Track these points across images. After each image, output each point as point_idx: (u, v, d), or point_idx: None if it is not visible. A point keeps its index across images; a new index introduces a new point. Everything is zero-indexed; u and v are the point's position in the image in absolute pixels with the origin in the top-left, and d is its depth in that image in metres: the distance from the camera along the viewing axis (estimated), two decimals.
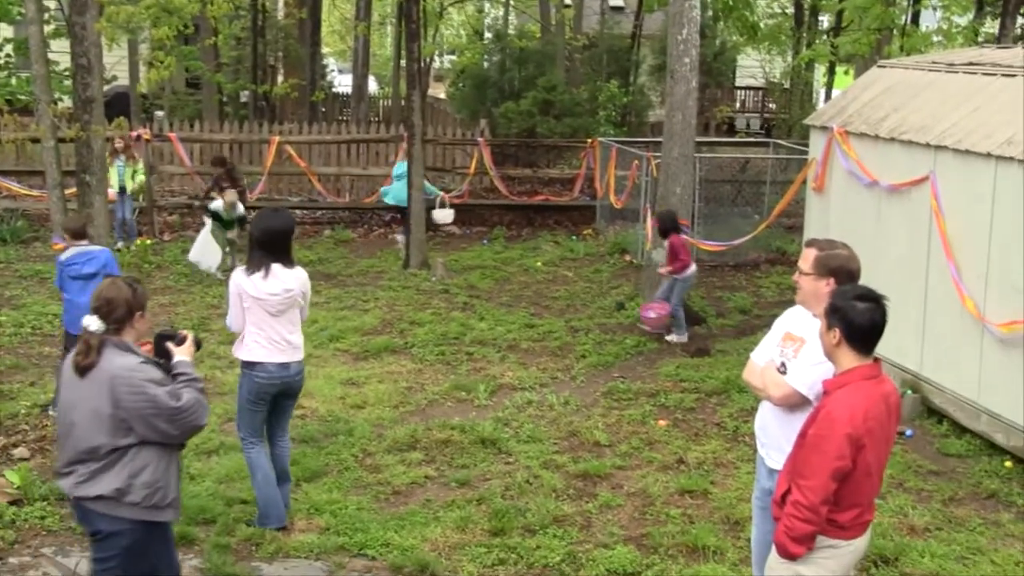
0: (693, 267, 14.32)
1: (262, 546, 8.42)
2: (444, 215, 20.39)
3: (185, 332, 6.47)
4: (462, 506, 9.13)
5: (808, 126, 14.40)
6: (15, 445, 10.34)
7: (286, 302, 8.24)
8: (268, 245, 8.28)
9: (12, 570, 8.09)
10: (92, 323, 5.97)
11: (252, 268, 8.26)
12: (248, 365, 8.42)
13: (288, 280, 8.24)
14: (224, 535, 8.56)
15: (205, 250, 17.31)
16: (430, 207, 19.85)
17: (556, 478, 9.75)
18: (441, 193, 20.58)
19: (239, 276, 8.32)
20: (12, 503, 8.96)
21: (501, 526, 8.71)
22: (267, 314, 8.27)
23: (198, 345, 6.52)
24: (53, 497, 9.12)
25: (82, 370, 5.93)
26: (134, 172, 19.05)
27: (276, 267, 8.22)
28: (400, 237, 20.19)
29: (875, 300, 5.47)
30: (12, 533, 8.58)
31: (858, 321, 5.43)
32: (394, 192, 19.91)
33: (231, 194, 17.59)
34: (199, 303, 15.95)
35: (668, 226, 14.22)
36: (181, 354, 6.30)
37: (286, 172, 22.43)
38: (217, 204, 17.53)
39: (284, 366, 8.36)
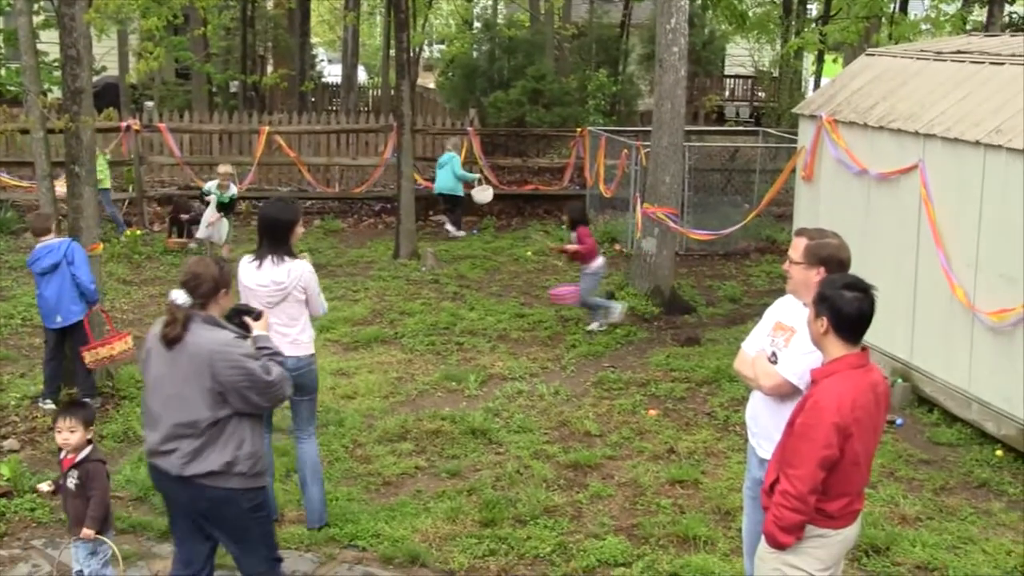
0: (600, 260, 14.32)
1: None
2: (484, 195, 20.83)
3: (261, 308, 6.77)
4: (453, 497, 9.12)
5: (797, 115, 14.39)
6: (5, 437, 10.33)
7: (276, 295, 8.09)
8: (264, 234, 8.20)
9: (2, 562, 8.09)
10: (179, 297, 6.20)
11: (253, 256, 8.20)
12: None
13: (278, 273, 8.07)
14: None
15: (214, 225, 17.67)
16: (469, 189, 20.64)
17: (547, 468, 9.76)
18: (478, 175, 21.09)
19: (241, 262, 8.24)
20: (2, 495, 8.96)
21: (492, 517, 8.71)
22: (260, 304, 8.21)
23: (259, 317, 6.76)
24: (36, 493, 9.10)
25: (170, 342, 6.17)
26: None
27: (270, 258, 8.15)
28: (451, 228, 20.39)
29: (863, 289, 5.47)
30: (2, 525, 8.58)
31: (846, 310, 5.43)
32: (438, 182, 20.57)
33: (225, 167, 18.04)
34: None
35: (577, 217, 14.49)
36: (259, 329, 6.57)
37: (276, 162, 22.39)
38: (210, 184, 17.77)
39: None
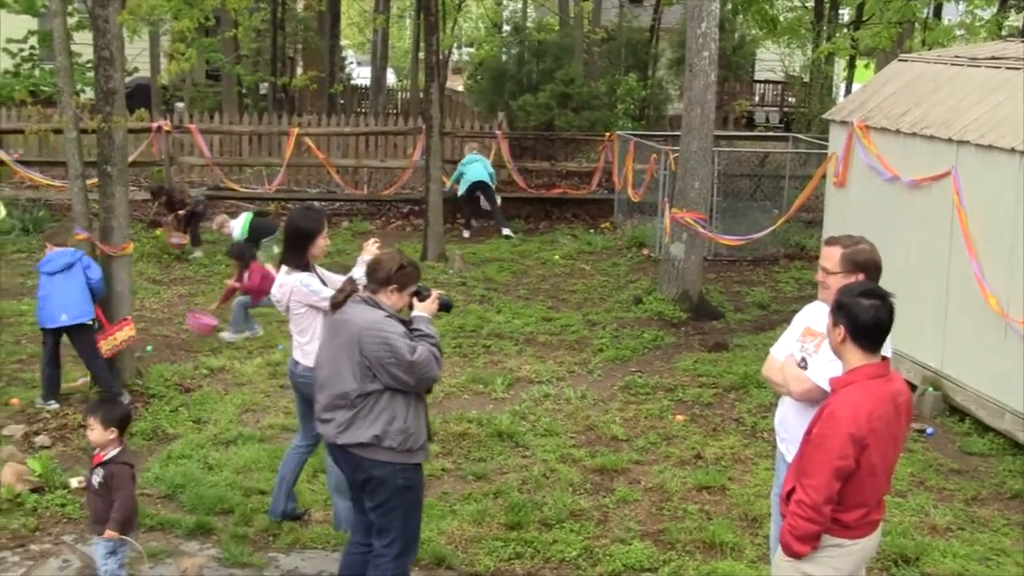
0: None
1: (279, 537, 8.45)
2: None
3: (433, 290, 6.94)
4: (479, 499, 9.12)
5: (828, 120, 14.34)
6: (36, 433, 10.39)
7: (279, 304, 8.21)
8: (284, 241, 8.24)
9: (33, 557, 8.13)
10: (356, 273, 7.01)
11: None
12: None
13: (281, 284, 8.12)
14: (242, 525, 8.59)
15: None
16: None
17: (573, 472, 9.74)
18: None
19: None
20: (33, 491, 9.00)
21: (518, 520, 8.70)
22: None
23: (447, 307, 7.11)
24: (65, 485, 9.15)
25: (332, 307, 6.78)
26: None
27: (284, 268, 8.15)
28: (507, 231, 20.59)
29: (880, 297, 5.44)
30: (33, 520, 8.63)
31: (862, 318, 5.40)
32: (473, 174, 20.75)
33: (219, 219, 17.34)
34: (218, 293, 15.95)
35: (240, 256, 14.38)
36: (420, 310, 6.84)
37: (304, 164, 22.44)
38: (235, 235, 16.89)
39: (294, 363, 8.26)
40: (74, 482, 8.31)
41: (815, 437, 5.43)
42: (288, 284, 8.04)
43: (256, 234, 16.46)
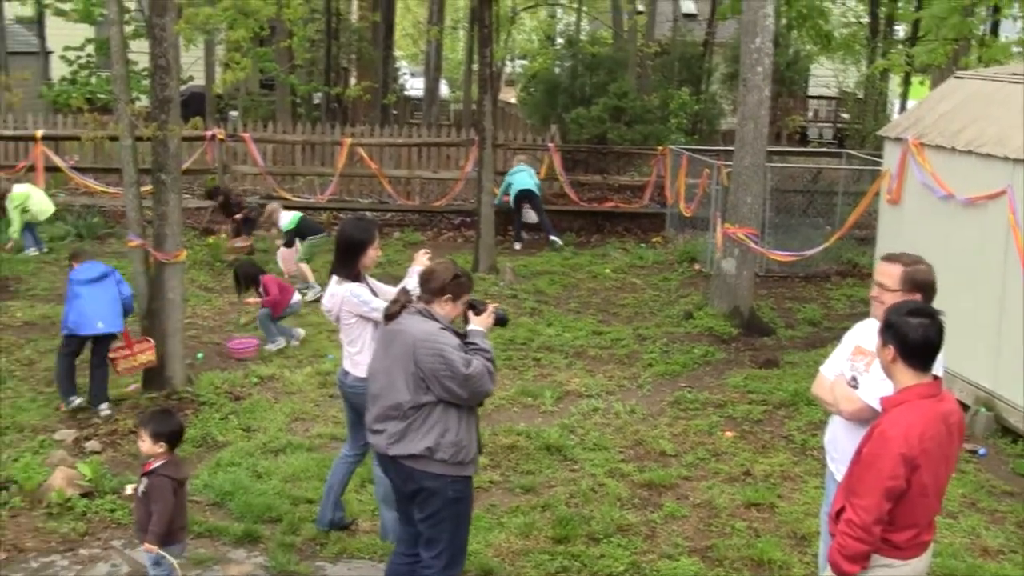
0: (297, 298, 14.47)
1: (326, 546, 8.48)
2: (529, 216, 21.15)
3: (489, 304, 6.97)
4: (526, 512, 9.11)
5: (882, 137, 14.25)
6: (87, 438, 10.49)
7: (329, 314, 8.27)
8: (335, 251, 8.28)
9: (82, 561, 8.20)
10: (410, 284, 6.99)
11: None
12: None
13: (332, 295, 8.17)
14: (289, 534, 8.62)
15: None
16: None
17: (621, 487, 9.72)
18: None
19: None
20: (83, 495, 9.08)
21: (565, 533, 8.69)
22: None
23: (502, 321, 7.12)
24: (119, 491, 9.22)
25: (386, 318, 6.80)
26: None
27: (334, 278, 8.18)
28: (555, 238, 20.74)
29: (930, 316, 5.40)
30: (83, 525, 8.70)
31: (911, 337, 5.36)
32: (521, 183, 20.82)
33: (271, 207, 17.43)
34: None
35: (248, 277, 14.22)
36: (476, 323, 6.85)
37: (357, 174, 22.55)
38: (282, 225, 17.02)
39: (344, 373, 8.28)
40: (128, 488, 8.36)
41: (865, 457, 5.39)
42: (339, 294, 8.07)
43: (305, 230, 16.72)
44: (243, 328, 14.23)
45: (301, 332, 14.09)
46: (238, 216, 18.41)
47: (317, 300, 15.01)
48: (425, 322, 6.62)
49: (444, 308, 6.72)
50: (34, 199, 18.40)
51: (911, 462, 5.27)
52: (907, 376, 5.42)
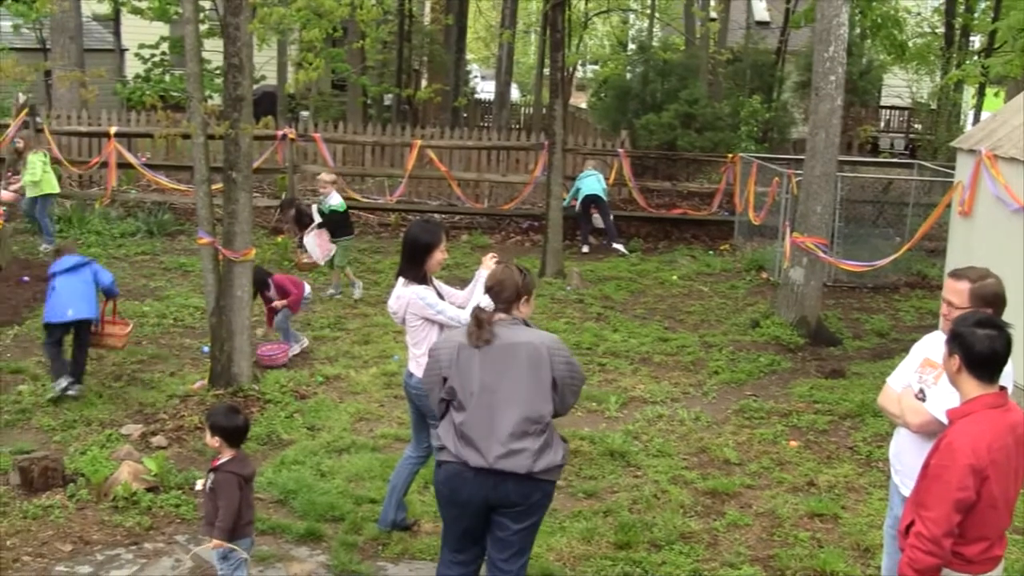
0: (306, 289, 14.14)
1: (388, 546, 8.50)
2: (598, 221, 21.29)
3: None
4: (588, 517, 9.10)
5: (955, 148, 14.09)
6: (154, 433, 10.59)
7: (395, 317, 8.28)
8: (402, 253, 8.29)
9: (147, 555, 8.28)
10: (484, 301, 6.61)
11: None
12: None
13: (398, 296, 8.19)
14: (352, 533, 8.66)
15: (323, 246, 16.48)
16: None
17: (684, 494, 9.68)
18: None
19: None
20: (149, 490, 9.16)
21: (627, 539, 8.66)
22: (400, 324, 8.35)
23: None
24: (188, 486, 9.32)
25: (479, 343, 6.46)
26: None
27: (400, 280, 8.21)
28: (618, 246, 20.75)
29: (997, 327, 5.36)
30: (148, 519, 8.78)
31: (978, 348, 5.32)
32: (587, 188, 20.94)
33: (325, 175, 17.19)
34: (335, 302, 16.16)
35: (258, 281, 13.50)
36: None
37: (426, 176, 22.63)
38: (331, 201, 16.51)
39: (409, 374, 8.30)
40: (198, 484, 8.43)
41: (933, 469, 5.35)
42: (405, 296, 8.10)
43: (341, 224, 16.50)
44: (263, 338, 14.07)
45: (305, 341, 13.87)
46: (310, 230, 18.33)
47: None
48: (539, 331, 6.62)
49: (523, 311, 6.65)
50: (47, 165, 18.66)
51: (980, 473, 5.22)
52: (973, 387, 5.38)
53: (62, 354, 11.51)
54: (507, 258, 7.18)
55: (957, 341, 5.39)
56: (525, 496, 6.44)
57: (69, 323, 11.37)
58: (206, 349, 12.78)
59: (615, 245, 20.72)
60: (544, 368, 6.39)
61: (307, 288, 14.19)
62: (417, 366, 8.08)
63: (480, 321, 6.51)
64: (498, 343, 6.45)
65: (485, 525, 6.62)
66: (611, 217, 21.10)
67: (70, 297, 11.31)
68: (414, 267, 8.14)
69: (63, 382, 11.30)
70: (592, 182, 20.79)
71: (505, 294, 6.56)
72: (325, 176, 16.94)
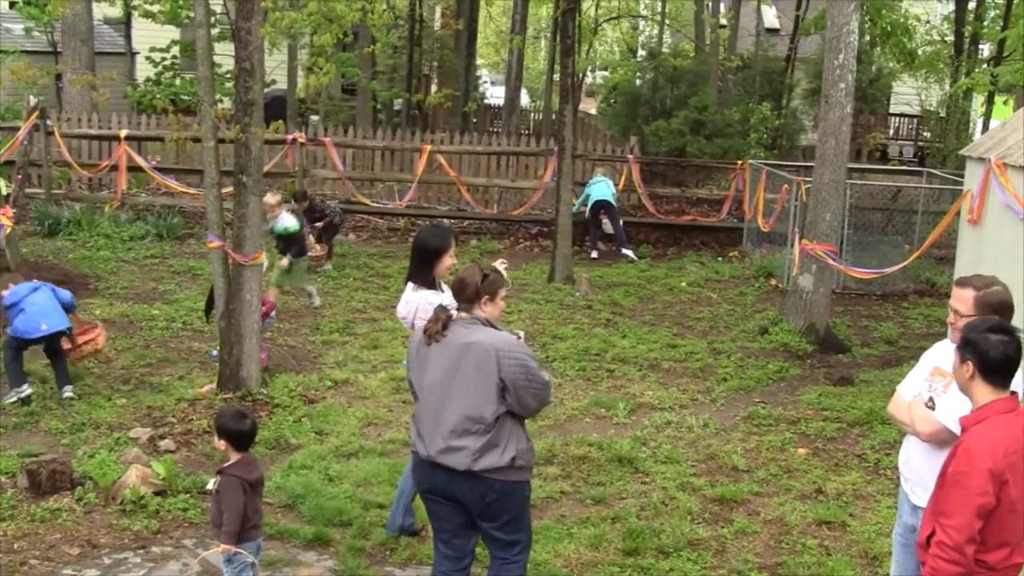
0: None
1: (396, 551, 8.49)
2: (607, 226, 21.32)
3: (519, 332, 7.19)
4: (596, 524, 9.09)
5: (964, 156, 14.09)
6: (162, 437, 10.58)
7: (404, 321, 8.24)
8: (411, 257, 8.27)
9: (154, 559, 8.28)
10: (446, 299, 6.86)
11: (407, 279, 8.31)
12: None
13: (407, 301, 8.16)
14: (359, 538, 8.65)
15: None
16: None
17: (692, 501, 9.66)
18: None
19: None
20: (157, 494, 9.16)
21: (635, 546, 8.65)
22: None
23: None
24: (195, 490, 9.32)
25: (429, 337, 6.60)
26: None
27: (409, 285, 8.19)
28: (628, 252, 20.71)
29: (1008, 333, 5.36)
30: (156, 523, 8.79)
31: (991, 354, 5.31)
32: (597, 194, 20.92)
33: (269, 197, 14.81)
34: (345, 306, 16.17)
35: None
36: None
37: (436, 181, 22.64)
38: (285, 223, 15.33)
39: None
40: (210, 484, 8.44)
41: (951, 476, 5.32)
42: (414, 301, 8.08)
43: (288, 244, 15.27)
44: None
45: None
46: (319, 224, 18.29)
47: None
48: (495, 332, 6.58)
49: (486, 310, 6.66)
50: None
51: (999, 477, 5.20)
52: (985, 393, 5.37)
53: (21, 363, 11.55)
54: (470, 263, 7.16)
55: (970, 348, 5.38)
56: (479, 495, 6.55)
57: (43, 337, 11.44)
58: (215, 353, 12.78)
59: (624, 251, 20.73)
60: (490, 369, 6.42)
61: (273, 311, 13.65)
62: None
63: (436, 318, 6.63)
64: (450, 341, 6.56)
65: (463, 520, 6.76)
66: (621, 223, 21.10)
67: (42, 312, 11.38)
68: (424, 272, 8.13)
69: (27, 389, 11.38)
70: (602, 188, 20.80)
71: (465, 293, 6.64)
72: (270, 199, 14.81)
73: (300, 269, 15.46)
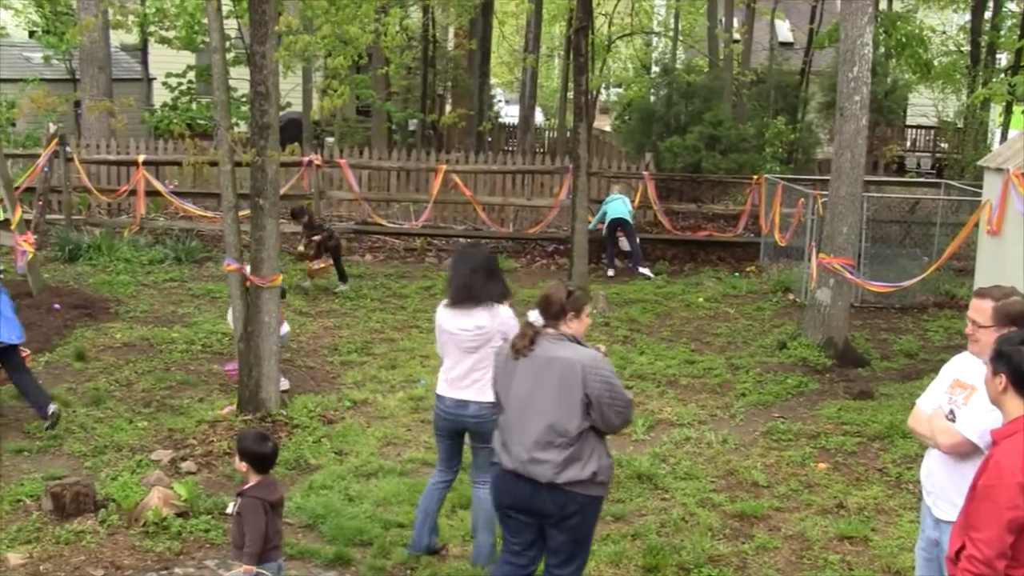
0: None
1: (417, 570, 8.51)
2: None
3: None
4: (617, 540, 9.09)
5: (983, 167, 14.07)
6: (183, 459, 10.62)
7: (478, 339, 8.11)
8: (488, 273, 8.22)
9: None
10: (532, 316, 6.87)
11: (448, 300, 8.27)
12: (437, 396, 8.41)
13: (493, 315, 8.09)
14: (380, 557, 8.67)
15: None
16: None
17: (712, 517, 9.66)
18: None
19: (439, 307, 8.36)
20: (179, 515, 9.19)
21: (655, 563, 8.65)
22: (456, 349, 8.22)
23: None
24: (217, 511, 9.34)
25: (516, 352, 6.85)
26: None
27: (494, 303, 8.13)
28: (644, 270, 20.72)
29: None
30: (178, 544, 8.81)
31: None
32: (613, 211, 20.93)
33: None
34: (362, 327, 16.20)
35: None
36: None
37: (451, 200, 22.67)
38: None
39: (462, 404, 8.19)
40: (231, 507, 8.47)
41: (981, 489, 5.27)
42: (505, 316, 8.11)
43: None
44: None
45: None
46: (316, 238, 18.15)
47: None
48: (581, 348, 6.77)
49: (572, 327, 6.84)
50: None
51: None
52: (1018, 406, 5.32)
53: None
54: (556, 281, 7.33)
55: (1003, 360, 5.34)
56: (560, 507, 6.69)
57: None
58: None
59: (641, 269, 20.72)
60: (575, 384, 6.57)
61: (285, 326, 13.43)
62: (479, 391, 8.04)
63: (523, 334, 6.84)
64: (537, 355, 6.75)
65: (533, 537, 6.95)
66: (637, 240, 21.11)
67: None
68: (503, 285, 8.23)
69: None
70: (618, 205, 20.80)
71: (551, 309, 6.80)
72: None
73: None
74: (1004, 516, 5.15)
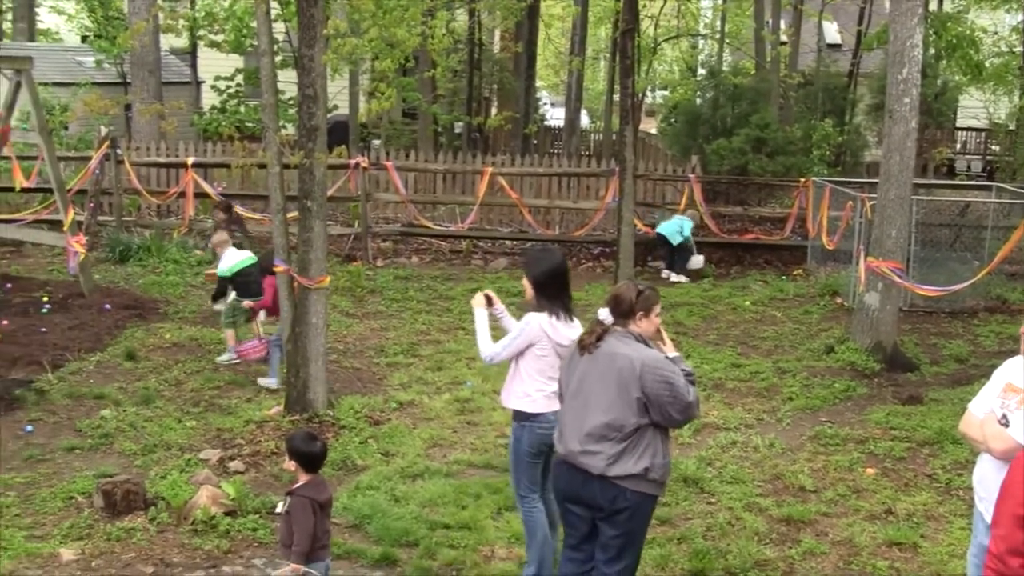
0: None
1: (463, 572, 8.51)
2: (697, 261, 21.20)
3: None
4: (662, 544, 9.06)
5: None
6: (231, 458, 10.69)
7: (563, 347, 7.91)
8: (555, 287, 7.93)
9: None
10: (602, 314, 7.02)
11: (552, 312, 7.87)
12: (529, 417, 7.88)
13: (578, 327, 7.88)
14: (426, 559, 8.68)
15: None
16: (688, 252, 21.02)
17: (759, 521, 9.61)
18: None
19: (543, 320, 7.83)
20: (227, 514, 9.24)
21: (701, 567, 8.62)
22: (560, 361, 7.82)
23: None
24: (264, 510, 9.39)
25: (582, 347, 7.02)
26: None
27: (564, 311, 7.92)
28: (671, 273, 20.81)
29: None
30: (226, 543, 8.86)
31: None
32: (662, 225, 21.10)
33: (218, 238, 14.80)
34: (409, 328, 16.23)
35: (266, 267, 13.05)
36: (671, 351, 7.16)
37: (497, 203, 22.70)
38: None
39: (538, 416, 7.91)
40: (280, 507, 8.53)
41: (1002, 487, 5.26)
42: (578, 328, 7.84)
43: (242, 284, 14.11)
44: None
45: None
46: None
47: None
48: (644, 348, 6.86)
49: (641, 326, 6.94)
50: None
51: None
52: None
53: None
54: (627, 280, 7.41)
55: None
56: (610, 500, 6.78)
57: None
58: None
59: (673, 277, 20.61)
60: (632, 382, 6.68)
61: (265, 351, 13.47)
62: (551, 401, 7.77)
63: (591, 330, 6.99)
64: (601, 352, 6.88)
65: (588, 530, 7.06)
66: (675, 257, 20.99)
67: None
68: (569, 294, 8.08)
69: None
70: (673, 226, 20.82)
71: (621, 308, 6.94)
72: (217, 240, 14.73)
73: (242, 311, 14.15)
74: (1016, 512, 5.10)
